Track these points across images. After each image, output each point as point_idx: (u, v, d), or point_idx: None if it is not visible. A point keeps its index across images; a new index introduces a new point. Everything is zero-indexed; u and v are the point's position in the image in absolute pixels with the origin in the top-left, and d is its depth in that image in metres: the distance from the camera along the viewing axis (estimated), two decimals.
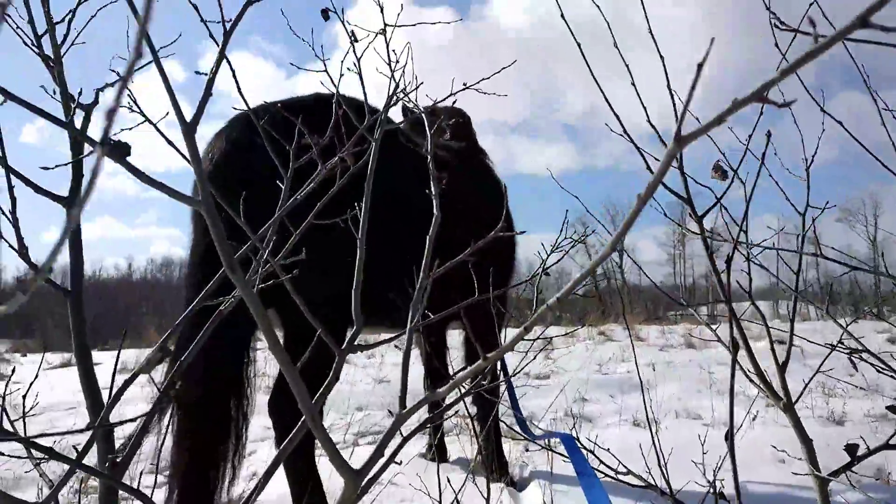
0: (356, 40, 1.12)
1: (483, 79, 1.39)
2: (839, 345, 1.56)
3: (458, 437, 4.18)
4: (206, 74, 0.77)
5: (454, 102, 1.82)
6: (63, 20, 1.01)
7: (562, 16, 1.46)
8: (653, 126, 1.46)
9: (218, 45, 0.94)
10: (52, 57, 0.84)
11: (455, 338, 4.26)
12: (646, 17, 1.52)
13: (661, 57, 1.46)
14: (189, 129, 0.66)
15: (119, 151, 0.59)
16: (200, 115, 0.69)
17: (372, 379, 6.55)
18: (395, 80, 1.23)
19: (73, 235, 0.94)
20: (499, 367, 3.51)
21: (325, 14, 1.13)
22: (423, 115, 1.41)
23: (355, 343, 0.91)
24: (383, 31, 1.20)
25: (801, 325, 13.01)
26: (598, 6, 1.58)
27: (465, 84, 1.71)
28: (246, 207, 2.29)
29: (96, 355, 12.51)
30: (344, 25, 1.13)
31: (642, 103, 1.47)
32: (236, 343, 2.33)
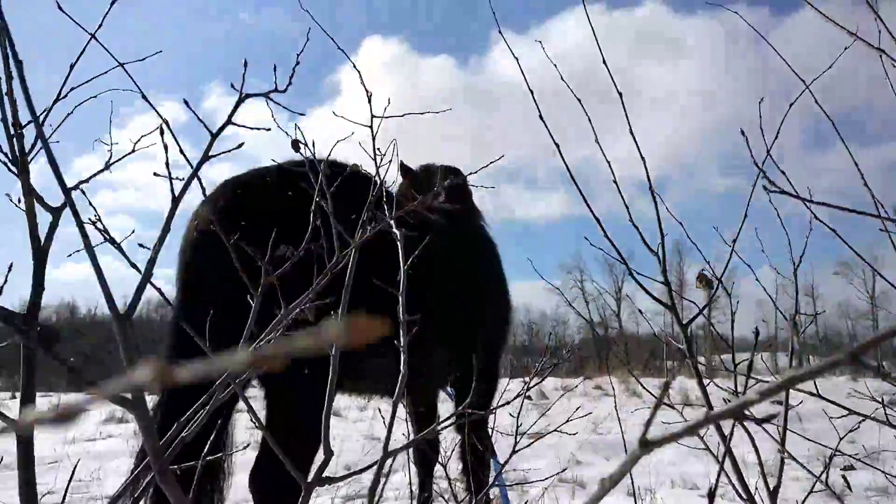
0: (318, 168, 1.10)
1: (471, 173, 1.38)
2: (837, 452, 1.51)
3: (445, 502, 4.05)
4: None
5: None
6: (38, 117, 0.99)
7: (561, 78, 1.46)
8: (653, 192, 1.45)
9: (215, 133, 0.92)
10: (19, 164, 0.82)
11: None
12: (622, 102, 1.53)
13: (641, 155, 1.46)
14: (121, 321, 0.63)
15: (46, 340, 0.57)
16: (135, 308, 0.66)
17: (363, 436, 6.41)
18: (380, 177, 1.21)
19: (27, 364, 0.85)
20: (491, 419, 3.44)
21: (296, 146, 1.12)
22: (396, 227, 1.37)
23: (323, 476, 0.86)
24: (373, 140, 1.19)
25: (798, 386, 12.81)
26: (608, 69, 1.58)
27: (451, 179, 1.71)
28: (226, 282, 2.27)
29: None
30: (313, 157, 1.12)
31: (649, 181, 1.46)
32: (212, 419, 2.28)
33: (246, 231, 2.32)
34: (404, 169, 4.06)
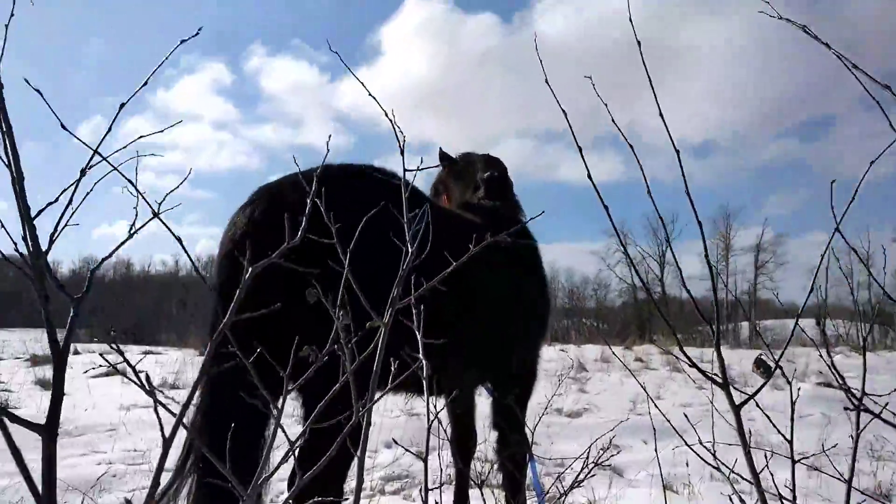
0: None
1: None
2: None
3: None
4: None
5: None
6: (61, 199, 0.98)
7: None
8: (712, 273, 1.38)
9: None
10: (34, 272, 0.81)
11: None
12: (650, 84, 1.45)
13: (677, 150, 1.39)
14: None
15: None
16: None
17: (401, 411, 6.52)
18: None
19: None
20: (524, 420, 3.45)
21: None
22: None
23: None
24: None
25: (850, 361, 12.42)
26: (632, 25, 1.52)
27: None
28: (263, 290, 2.28)
29: (145, 348, 12.82)
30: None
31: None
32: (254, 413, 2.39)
33: (280, 242, 2.33)
34: (443, 157, 4.00)
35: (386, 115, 1.25)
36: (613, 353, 3.66)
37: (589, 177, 1.48)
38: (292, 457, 1.05)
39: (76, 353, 18.03)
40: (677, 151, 1.46)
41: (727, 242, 50.67)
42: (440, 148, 4.04)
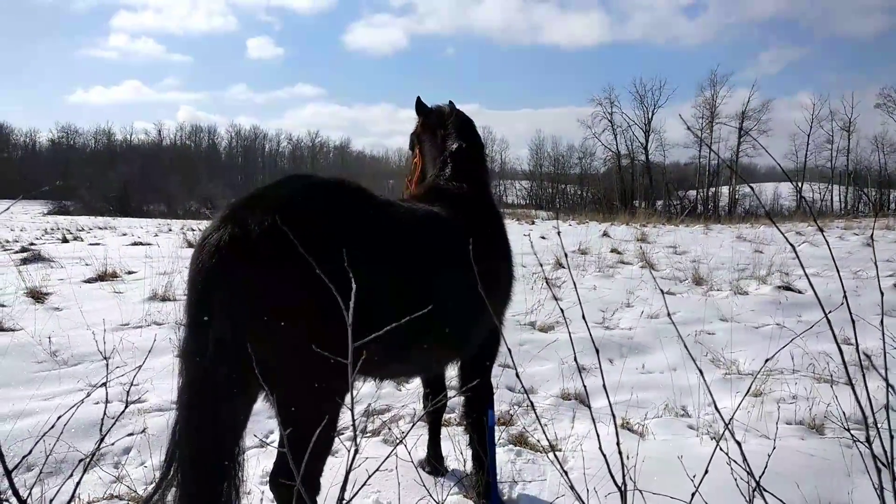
0: None
1: None
2: None
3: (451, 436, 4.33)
4: None
5: None
6: None
7: None
8: None
9: None
10: None
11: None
12: None
13: None
14: None
15: None
16: None
17: None
18: None
19: None
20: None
21: None
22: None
23: None
24: None
25: (815, 250, 12.72)
26: None
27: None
28: (225, 321, 2.37)
29: (133, 221, 12.79)
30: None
31: None
32: (228, 429, 2.52)
33: (246, 271, 2.38)
34: (419, 107, 4.04)
35: None
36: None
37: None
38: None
39: (64, 241, 17.74)
40: None
41: (713, 110, 50.01)
42: (418, 97, 4.05)
